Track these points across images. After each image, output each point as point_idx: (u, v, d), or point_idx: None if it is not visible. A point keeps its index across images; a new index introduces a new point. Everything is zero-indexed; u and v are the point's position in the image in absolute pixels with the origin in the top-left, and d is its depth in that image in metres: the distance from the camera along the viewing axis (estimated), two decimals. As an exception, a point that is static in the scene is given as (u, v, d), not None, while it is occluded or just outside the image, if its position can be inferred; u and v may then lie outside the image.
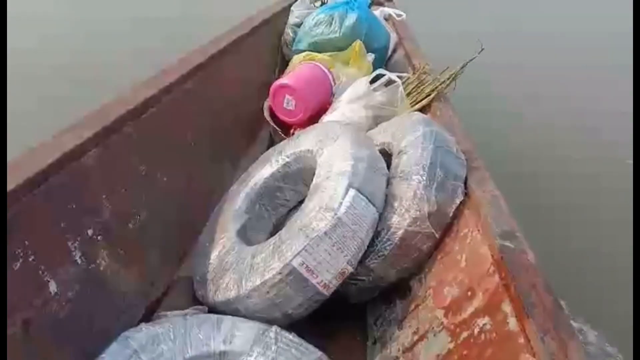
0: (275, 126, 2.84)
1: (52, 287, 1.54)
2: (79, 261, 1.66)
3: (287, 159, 2.14)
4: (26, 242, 1.48)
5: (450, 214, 1.77)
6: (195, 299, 1.91)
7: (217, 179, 2.56)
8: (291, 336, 1.62)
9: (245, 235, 2.04)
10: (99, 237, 1.76)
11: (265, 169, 2.19)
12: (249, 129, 3.09)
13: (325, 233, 1.63)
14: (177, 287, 2.02)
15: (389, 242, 1.74)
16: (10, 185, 1.46)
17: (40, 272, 1.52)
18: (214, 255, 1.93)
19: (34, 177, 1.54)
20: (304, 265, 1.64)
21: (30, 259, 1.49)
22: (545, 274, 1.39)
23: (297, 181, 2.17)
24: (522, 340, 1.24)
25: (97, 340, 1.54)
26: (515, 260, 1.44)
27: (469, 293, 1.53)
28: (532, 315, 1.24)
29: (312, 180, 1.90)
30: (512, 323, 1.30)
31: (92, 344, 1.53)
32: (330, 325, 1.87)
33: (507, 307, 1.35)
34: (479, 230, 1.65)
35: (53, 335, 1.51)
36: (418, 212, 1.72)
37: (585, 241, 3.35)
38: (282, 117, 2.88)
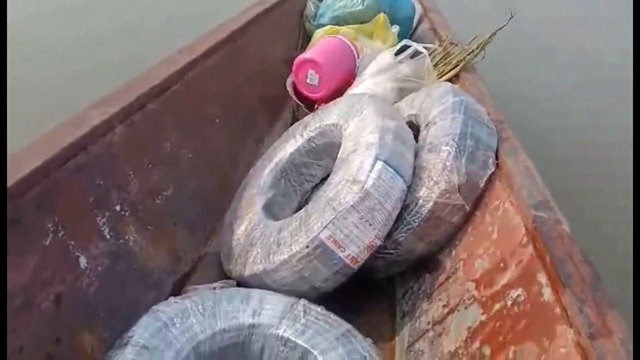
0: (298, 102, 2.81)
1: (83, 262, 1.55)
2: (108, 236, 1.67)
3: (312, 134, 2.11)
4: (56, 218, 1.50)
5: (481, 186, 1.73)
6: (223, 274, 1.92)
7: (241, 156, 2.54)
8: (319, 309, 1.61)
9: (271, 211, 2.03)
10: (126, 213, 1.77)
11: (289, 145, 2.17)
12: (272, 105, 3.06)
13: (353, 206, 1.61)
14: (205, 263, 2.03)
15: (417, 215, 1.71)
16: (39, 161, 1.46)
17: (70, 247, 1.53)
18: (240, 230, 1.93)
19: (61, 152, 1.55)
20: (332, 239, 1.62)
21: (60, 235, 1.50)
22: (580, 244, 1.34)
23: (323, 156, 2.14)
24: (558, 310, 1.20)
25: (127, 314, 1.56)
26: (550, 231, 1.39)
27: (501, 265, 1.49)
28: (569, 285, 1.20)
29: (337, 154, 1.87)
30: (547, 294, 1.26)
31: (122, 318, 1.54)
32: (358, 300, 1.86)
33: (542, 278, 1.31)
34: (511, 202, 1.60)
35: (84, 309, 1.52)
36: (448, 184, 1.68)
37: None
38: (305, 92, 2.85)
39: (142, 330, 1.44)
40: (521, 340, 1.26)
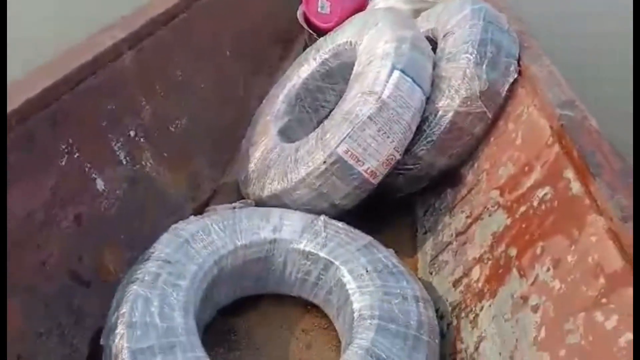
0: (310, 31, 2.72)
1: (100, 184, 1.55)
2: (124, 161, 1.67)
3: (326, 56, 2.04)
4: (70, 140, 1.48)
5: (503, 93, 1.66)
6: (242, 199, 1.90)
7: (253, 89, 2.49)
8: (340, 224, 1.59)
9: (287, 137, 1.99)
10: (141, 139, 1.75)
11: (303, 70, 2.11)
12: (284, 39, 2.98)
13: (370, 117, 1.56)
14: (223, 190, 2.02)
15: (437, 127, 1.66)
16: (49, 82, 1.44)
17: (86, 169, 1.52)
18: (256, 155, 1.90)
19: (72, 74, 1.52)
20: (349, 153, 1.58)
21: (75, 156, 1.49)
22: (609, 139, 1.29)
23: (337, 79, 2.08)
24: (587, 202, 1.16)
25: (147, 236, 1.55)
26: (577, 127, 1.33)
27: (526, 168, 1.45)
28: (598, 175, 1.15)
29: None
30: (576, 187, 1.22)
31: (143, 240, 1.54)
32: (378, 219, 1.83)
33: (569, 173, 1.26)
34: (535, 105, 1.54)
35: (105, 229, 1.53)
36: (469, 91, 1.62)
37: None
38: (316, 22, 2.76)
39: (163, 246, 1.44)
40: (548, 236, 1.23)
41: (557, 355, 1.03)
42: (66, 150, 1.46)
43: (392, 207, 1.90)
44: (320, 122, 2.16)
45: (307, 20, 2.77)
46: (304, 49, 2.86)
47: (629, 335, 0.91)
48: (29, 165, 1.34)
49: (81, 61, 1.56)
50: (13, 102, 1.32)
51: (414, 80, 1.60)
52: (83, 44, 1.67)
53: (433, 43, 1.89)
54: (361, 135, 1.56)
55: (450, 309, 1.45)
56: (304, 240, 1.54)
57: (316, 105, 2.14)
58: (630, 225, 1.02)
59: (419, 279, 1.67)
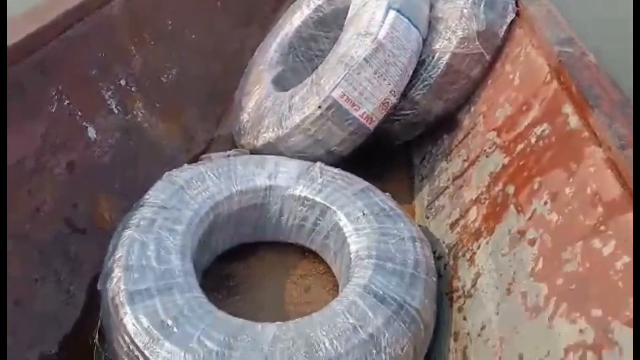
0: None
1: (91, 132, 1.53)
2: (115, 110, 1.64)
3: (319, 2, 2.00)
4: (59, 87, 1.45)
5: (501, 35, 1.63)
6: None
7: (246, 42, 2.44)
8: (336, 170, 1.58)
9: (281, 87, 1.95)
10: (132, 88, 1.72)
11: (296, 17, 2.06)
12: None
13: (365, 59, 1.53)
14: (218, 143, 2.00)
15: (434, 69, 1.63)
16: (34, 27, 1.40)
17: (77, 117, 1.50)
18: (250, 105, 1.87)
19: (58, 19, 1.48)
20: (345, 97, 1.55)
21: (65, 103, 1.46)
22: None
23: (331, 27, 2.03)
24: (585, 134, 1.14)
25: (142, 182, 1.54)
26: (576, 63, 1.31)
27: (524, 107, 1.43)
28: (597, 106, 1.13)
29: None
30: (574, 121, 1.20)
31: (138, 189, 1.52)
32: (375, 168, 1.81)
33: (567, 108, 1.24)
34: (533, 45, 1.51)
35: (98, 178, 1.51)
36: (466, 32, 1.59)
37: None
38: (310, -27, 2.68)
39: (158, 192, 1.42)
40: (546, 171, 1.22)
41: (555, 283, 1.03)
42: (56, 97, 1.43)
43: (389, 155, 1.89)
44: (314, 71, 2.13)
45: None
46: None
47: (627, 259, 0.90)
48: (18, 111, 1.31)
49: (67, 7, 1.52)
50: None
51: (410, 21, 1.57)
52: None
53: (429, -14, 1.84)
54: (357, 78, 1.53)
55: (447, 250, 1.45)
56: (300, 186, 1.53)
57: (310, 54, 2.10)
58: (628, 151, 1.01)
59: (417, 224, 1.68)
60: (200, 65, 2.09)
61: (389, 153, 1.88)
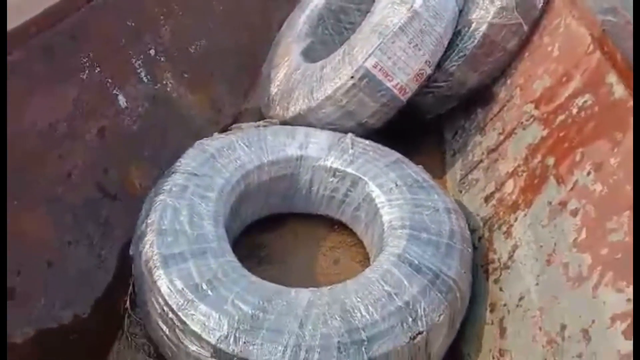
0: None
1: (122, 100, 1.52)
2: (145, 79, 1.63)
3: (350, -27, 1.95)
4: (90, 54, 1.44)
5: (539, 6, 1.58)
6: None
7: (274, 12, 2.41)
8: (367, 142, 1.56)
9: (311, 59, 1.92)
10: (161, 58, 1.71)
11: (326, -12, 2.02)
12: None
13: (401, 28, 1.50)
14: (246, 116, 1.98)
15: (470, 40, 1.59)
16: None
17: (107, 84, 1.49)
18: (279, 77, 1.85)
19: None
20: (378, 67, 1.52)
21: (96, 71, 1.45)
22: None
23: (362, -1, 1.99)
24: (631, 103, 1.10)
25: (172, 151, 1.53)
26: (621, 32, 1.26)
27: (564, 79, 1.38)
28: None
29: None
30: (619, 91, 1.16)
31: (168, 158, 1.52)
32: (406, 142, 1.78)
33: (611, 78, 1.20)
34: (573, 15, 1.46)
35: (129, 145, 1.51)
36: (504, 2, 1.54)
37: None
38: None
39: (190, 160, 1.42)
40: (589, 142, 1.18)
41: (599, 253, 1.00)
42: (87, 63, 1.43)
43: (420, 129, 1.85)
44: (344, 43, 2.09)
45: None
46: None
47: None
48: (49, 76, 1.31)
49: None
50: (32, 11, 1.28)
51: (446, -11, 1.53)
52: None
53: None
54: (391, 47, 1.50)
55: (482, 223, 1.42)
56: (331, 157, 1.51)
57: (340, 27, 2.07)
58: None
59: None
60: (228, 37, 2.07)
61: (421, 127, 1.85)
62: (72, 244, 1.27)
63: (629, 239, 0.96)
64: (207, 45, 1.93)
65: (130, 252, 1.29)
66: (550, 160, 1.28)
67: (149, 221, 1.27)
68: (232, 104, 1.99)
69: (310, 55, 1.93)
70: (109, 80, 1.50)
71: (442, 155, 1.84)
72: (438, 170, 1.77)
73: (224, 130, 1.86)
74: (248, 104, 2.06)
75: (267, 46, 2.16)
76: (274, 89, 1.83)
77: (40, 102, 1.27)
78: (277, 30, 2.21)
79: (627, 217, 0.99)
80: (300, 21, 2.00)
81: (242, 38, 2.16)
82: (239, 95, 2.05)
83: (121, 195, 1.43)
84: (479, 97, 1.72)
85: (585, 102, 1.26)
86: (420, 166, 1.51)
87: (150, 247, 1.21)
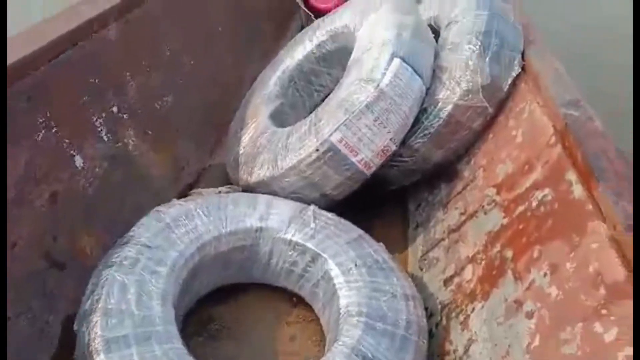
0: (308, 11, 2.64)
1: (78, 161, 1.47)
2: (105, 138, 1.58)
3: (323, 38, 1.96)
4: (48, 113, 1.39)
5: (506, 88, 1.61)
6: (229, 184, 1.83)
7: (245, 69, 2.41)
8: (330, 215, 1.54)
9: (279, 121, 1.91)
10: (124, 115, 1.66)
11: (298, 51, 2.03)
12: (280, 18, 2.89)
13: (367, 106, 1.50)
14: (210, 174, 1.95)
15: (436, 119, 1.60)
16: (27, 52, 1.35)
17: (64, 145, 1.44)
18: (246, 139, 1.83)
19: (52, 45, 1.43)
20: (343, 142, 1.52)
21: (53, 130, 1.40)
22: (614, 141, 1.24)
23: (333, 64, 2.00)
24: (589, 206, 1.11)
25: (127, 218, 1.48)
26: (581, 128, 1.28)
27: (526, 167, 1.39)
28: (603, 179, 1.10)
29: (350, 59, 1.74)
30: (578, 191, 1.17)
31: (123, 222, 1.47)
32: (369, 212, 1.78)
33: (571, 176, 1.21)
34: (538, 103, 1.49)
35: (82, 209, 1.45)
36: (470, 84, 1.56)
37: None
38: (315, 3, 2.67)
39: (143, 230, 1.37)
40: (547, 240, 1.18)
41: (552, 365, 0.99)
42: (43, 124, 1.38)
43: (384, 198, 1.85)
44: (313, 107, 2.09)
45: (306, 2, 2.68)
46: (301, 30, 2.78)
47: (629, 350, 0.86)
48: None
49: (62, 31, 1.47)
50: None
51: (414, 69, 1.54)
52: (66, 13, 1.57)
53: (435, 31, 1.82)
54: (357, 124, 1.50)
55: (439, 307, 1.40)
56: (291, 230, 1.48)
57: (310, 89, 2.07)
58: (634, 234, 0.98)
59: (409, 274, 1.63)
60: (197, 92, 2.04)
61: (385, 195, 1.84)
62: (12, 319, 1.20)
63: (582, 354, 0.95)
64: (174, 101, 1.90)
65: (75, 327, 1.23)
66: (509, 253, 1.27)
67: (95, 298, 1.21)
68: (196, 160, 1.95)
69: (279, 117, 1.92)
70: (66, 141, 1.45)
71: (405, 225, 1.83)
72: (400, 242, 1.76)
73: (187, 188, 1.84)
74: (213, 160, 2.03)
75: (237, 100, 2.14)
76: (239, 151, 1.81)
77: None
78: (249, 85, 2.20)
79: (580, 329, 0.98)
80: (271, 82, 1.99)
81: (212, 92, 2.14)
82: (204, 152, 2.02)
83: (70, 264, 1.37)
84: (443, 173, 1.72)
85: (545, 196, 1.27)
86: (381, 244, 1.49)
87: (93, 328, 1.15)
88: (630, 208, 1.02)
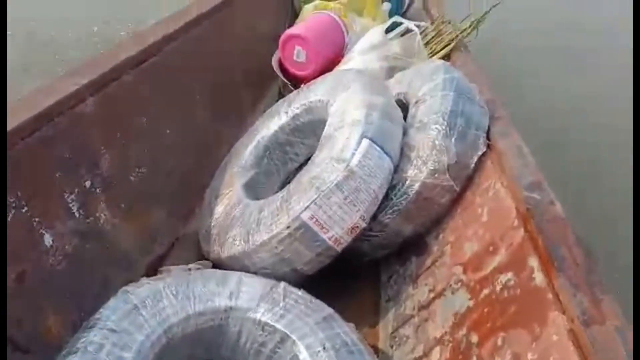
0: (285, 80, 2.71)
1: (48, 240, 1.46)
2: (77, 214, 1.58)
3: (297, 111, 2.02)
4: (19, 193, 1.40)
5: (471, 166, 1.65)
6: (201, 256, 1.84)
7: (223, 134, 2.44)
8: (300, 292, 1.54)
9: (253, 191, 1.94)
10: (97, 190, 1.67)
11: (273, 122, 2.08)
12: (257, 83, 2.95)
13: (337, 185, 1.53)
14: (182, 244, 1.94)
15: (404, 196, 1.63)
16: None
17: (34, 224, 1.43)
18: (219, 210, 1.85)
19: (26, 123, 1.44)
20: (314, 219, 1.54)
21: (23, 210, 1.40)
22: (574, 227, 1.28)
23: (307, 134, 2.05)
24: (550, 296, 1.13)
25: (96, 295, 1.47)
26: (542, 213, 1.32)
27: (491, 248, 1.43)
28: (562, 270, 1.13)
29: (322, 132, 1.79)
30: (539, 278, 1.20)
31: (91, 300, 1.46)
32: (341, 283, 1.78)
33: (533, 262, 1.24)
34: (502, 183, 1.53)
35: (49, 289, 1.43)
36: (437, 164, 1.61)
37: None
38: (292, 70, 2.75)
39: (110, 313, 1.35)
40: (510, 327, 1.20)
41: None
42: (14, 204, 1.38)
43: (356, 269, 1.86)
44: (287, 175, 2.13)
45: (282, 67, 2.76)
46: (278, 95, 2.85)
47: None
48: None
49: (38, 109, 1.49)
50: None
51: (382, 149, 1.58)
52: (42, 89, 1.60)
53: (404, 107, 1.88)
54: (327, 202, 1.52)
55: (408, 391, 1.40)
56: (261, 309, 1.47)
57: (285, 157, 2.11)
58: (592, 329, 1.00)
59: (380, 350, 1.63)
60: (173, 161, 2.06)
61: (357, 267, 1.85)
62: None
63: None
64: (149, 171, 1.91)
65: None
66: (474, 338, 1.28)
67: (55, 389, 1.19)
68: (168, 230, 1.95)
69: (253, 187, 1.94)
70: (36, 220, 1.44)
71: (377, 297, 1.83)
72: (372, 315, 1.76)
73: (158, 259, 1.83)
74: (186, 229, 2.03)
75: (212, 166, 2.17)
76: (212, 222, 1.82)
77: None
78: (226, 150, 2.24)
79: None
80: (247, 151, 2.03)
81: (188, 161, 2.16)
82: (177, 220, 2.02)
83: (34, 348, 1.34)
84: (414, 246, 1.75)
85: (509, 280, 1.29)
86: (351, 324, 1.49)
87: (53, 421, 1.13)
88: (587, 302, 1.05)
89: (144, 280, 1.50)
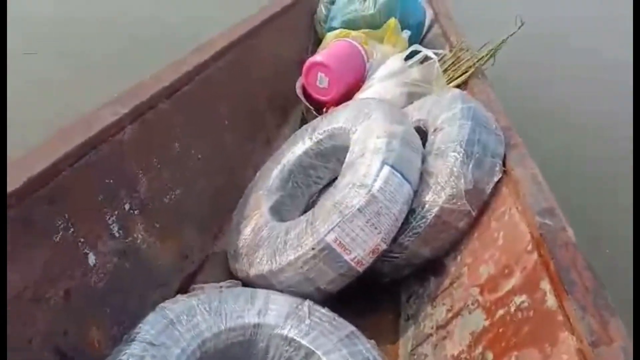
0: (308, 105, 2.82)
1: (92, 259, 1.58)
2: (117, 234, 1.70)
3: (320, 137, 2.13)
4: (66, 215, 1.52)
5: (488, 192, 1.73)
6: (230, 273, 1.94)
7: (250, 157, 2.57)
8: (324, 310, 1.63)
9: (278, 213, 2.05)
10: (135, 212, 1.79)
11: (298, 147, 2.19)
12: (282, 107, 3.08)
13: (359, 210, 1.62)
14: (212, 262, 2.05)
15: (423, 220, 1.72)
16: (52, 159, 1.49)
17: (79, 244, 1.56)
18: (247, 231, 1.95)
19: (73, 151, 1.58)
20: (337, 242, 1.63)
21: (70, 232, 1.53)
22: (584, 252, 1.35)
23: (330, 159, 2.15)
24: (560, 318, 1.21)
25: (134, 310, 1.58)
26: (555, 238, 1.40)
27: (506, 271, 1.50)
28: (572, 293, 1.21)
29: (345, 157, 1.89)
30: (551, 301, 1.27)
31: (130, 315, 1.57)
32: (362, 302, 1.87)
33: (545, 285, 1.31)
34: (517, 208, 1.61)
35: (93, 305, 1.55)
36: (454, 190, 1.69)
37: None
38: (315, 95, 2.87)
39: (149, 327, 1.46)
40: (523, 346, 1.27)
41: None
42: (62, 226, 1.50)
43: (377, 289, 1.94)
44: (311, 197, 2.23)
45: (305, 92, 2.88)
46: (302, 119, 2.97)
47: None
48: (25, 243, 1.38)
49: (83, 138, 1.62)
50: (14, 182, 1.37)
51: (403, 176, 1.67)
52: (86, 119, 1.73)
53: (423, 133, 1.98)
54: (350, 225, 1.62)
55: (427, 407, 1.47)
56: (287, 325, 1.57)
57: (309, 181, 2.21)
58: (599, 350, 1.07)
59: (399, 368, 1.70)
60: (204, 183, 2.18)
61: (378, 286, 1.93)
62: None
63: None
64: (182, 194, 2.03)
65: None
66: (490, 356, 1.36)
67: (100, 397, 1.29)
68: (200, 249, 2.06)
69: (279, 209, 2.05)
70: (81, 240, 1.56)
71: (397, 316, 1.91)
72: (392, 334, 1.84)
73: (190, 277, 1.94)
74: (216, 247, 2.13)
75: (241, 187, 2.29)
76: (241, 242, 1.92)
77: (12, 272, 1.32)
78: (253, 171, 2.36)
79: None
80: (273, 175, 2.14)
81: (217, 180, 2.28)
82: (208, 239, 2.13)
83: (78, 357, 1.46)
84: (432, 267, 1.83)
85: (523, 302, 1.37)
86: (372, 341, 1.57)
87: None
88: (595, 324, 1.12)
89: (179, 297, 1.61)
